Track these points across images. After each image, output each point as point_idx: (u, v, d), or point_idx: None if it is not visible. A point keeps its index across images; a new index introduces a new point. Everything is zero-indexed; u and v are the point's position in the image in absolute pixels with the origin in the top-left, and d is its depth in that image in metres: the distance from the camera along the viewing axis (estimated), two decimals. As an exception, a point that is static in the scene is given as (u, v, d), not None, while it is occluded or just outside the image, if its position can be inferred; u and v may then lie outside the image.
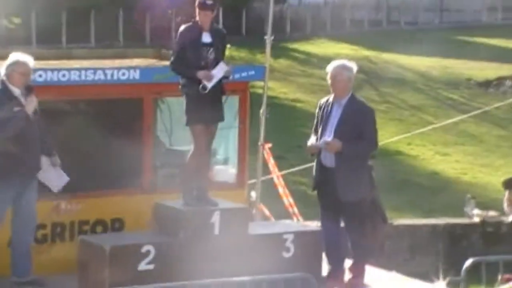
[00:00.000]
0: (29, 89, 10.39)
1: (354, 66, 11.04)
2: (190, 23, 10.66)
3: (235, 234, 10.61)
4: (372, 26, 54.73)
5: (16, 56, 10.49)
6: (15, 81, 10.37)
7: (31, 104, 10.33)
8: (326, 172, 10.89)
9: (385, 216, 14.95)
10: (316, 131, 10.99)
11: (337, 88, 10.91)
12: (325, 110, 10.98)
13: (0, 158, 10.17)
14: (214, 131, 10.80)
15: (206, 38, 10.58)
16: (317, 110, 11.16)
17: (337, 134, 10.78)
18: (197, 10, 10.55)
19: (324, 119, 10.93)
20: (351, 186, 10.80)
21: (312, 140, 10.96)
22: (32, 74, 10.48)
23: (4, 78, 10.37)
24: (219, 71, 10.45)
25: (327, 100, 11.07)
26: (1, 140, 10.15)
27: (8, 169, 10.23)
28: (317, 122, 11.04)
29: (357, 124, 10.88)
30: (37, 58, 12.22)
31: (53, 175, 10.55)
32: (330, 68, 10.96)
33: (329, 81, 10.95)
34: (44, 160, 10.48)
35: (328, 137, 10.79)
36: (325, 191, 10.97)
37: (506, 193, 17.03)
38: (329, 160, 10.83)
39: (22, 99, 10.34)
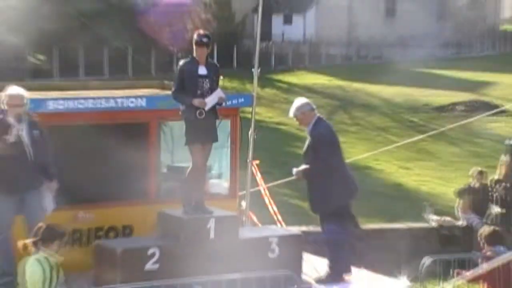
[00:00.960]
0: (29, 119, 10.24)
1: (302, 102, 11.37)
2: (188, 58, 10.68)
3: (228, 238, 10.57)
4: (344, 60, 54.96)
5: (11, 90, 10.27)
6: (11, 112, 10.23)
7: (15, 132, 10.12)
8: None
9: (357, 221, 14.98)
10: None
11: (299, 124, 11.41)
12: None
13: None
14: (209, 150, 10.80)
15: (202, 70, 10.59)
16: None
17: (304, 159, 11.14)
18: (194, 47, 10.57)
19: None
20: (316, 201, 11.08)
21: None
22: (25, 105, 10.21)
23: (5, 108, 10.27)
24: (214, 98, 10.47)
25: None
26: None
27: (3, 187, 10.16)
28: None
29: (313, 148, 11.07)
30: (58, 89, 12.26)
31: (46, 198, 10.44)
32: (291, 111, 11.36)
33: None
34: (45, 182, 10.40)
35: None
36: None
37: (459, 201, 17.06)
38: None
39: (17, 126, 10.20)
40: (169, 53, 43.80)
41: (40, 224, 9.23)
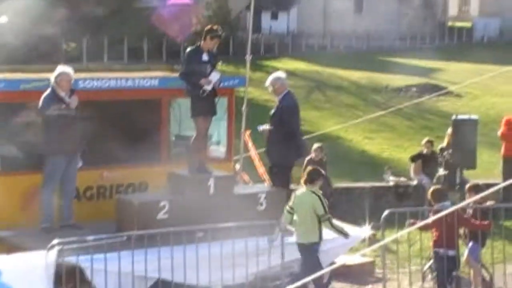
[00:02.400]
0: (72, 92, 10.30)
1: (279, 76, 11.40)
2: (194, 47, 10.66)
3: (224, 194, 10.58)
4: (320, 49, 54.72)
5: (62, 68, 10.37)
6: (63, 86, 10.24)
7: (74, 101, 10.25)
8: None
9: (330, 181, 15.00)
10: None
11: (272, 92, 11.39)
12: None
13: (55, 140, 10.10)
14: (210, 122, 10.80)
15: (205, 57, 10.58)
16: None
17: (270, 121, 11.23)
18: (208, 37, 10.49)
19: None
20: (275, 155, 11.19)
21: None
22: (72, 80, 10.33)
23: (54, 85, 10.25)
24: (213, 76, 10.46)
25: None
26: (54, 128, 10.08)
27: (61, 147, 10.16)
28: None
29: (280, 114, 11.15)
30: (87, 71, 12.20)
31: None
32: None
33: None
34: None
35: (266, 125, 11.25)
36: None
37: (412, 164, 17.08)
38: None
39: (67, 99, 10.25)
40: (177, 43, 43.61)
41: (309, 168, 10.38)
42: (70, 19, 35.49)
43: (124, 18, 40.15)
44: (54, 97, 10.16)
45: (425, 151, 16.80)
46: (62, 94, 10.22)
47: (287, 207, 10.18)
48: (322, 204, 9.95)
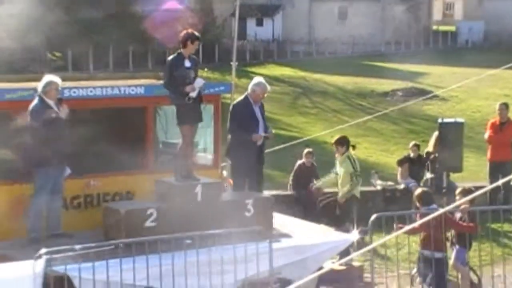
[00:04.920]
0: (60, 101, 10.27)
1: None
2: (175, 54, 10.67)
3: (212, 201, 10.58)
4: (305, 56, 54.90)
5: (50, 77, 10.34)
6: (51, 95, 10.21)
7: (64, 112, 10.22)
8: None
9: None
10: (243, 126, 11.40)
11: (261, 98, 11.54)
12: (249, 110, 11.46)
13: (46, 150, 10.07)
14: (196, 129, 10.80)
15: (187, 63, 10.59)
16: (235, 111, 11.55)
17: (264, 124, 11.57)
18: (188, 42, 10.50)
19: (252, 116, 11.41)
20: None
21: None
22: (60, 89, 10.32)
23: (42, 94, 10.22)
24: (198, 83, 10.49)
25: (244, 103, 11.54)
26: (45, 139, 10.04)
27: (53, 158, 10.13)
28: (240, 118, 11.41)
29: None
30: (72, 79, 12.17)
31: None
32: (265, 86, 11.55)
33: (263, 94, 11.50)
34: None
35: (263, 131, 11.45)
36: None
37: (399, 168, 17.12)
38: None
39: (56, 108, 10.22)
40: (163, 50, 43.61)
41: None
42: (56, 26, 35.36)
43: (110, 25, 40.10)
44: (43, 106, 10.13)
45: (412, 155, 16.85)
46: (51, 103, 10.19)
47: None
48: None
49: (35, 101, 10.16)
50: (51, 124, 10.01)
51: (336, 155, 12.31)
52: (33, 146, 10.06)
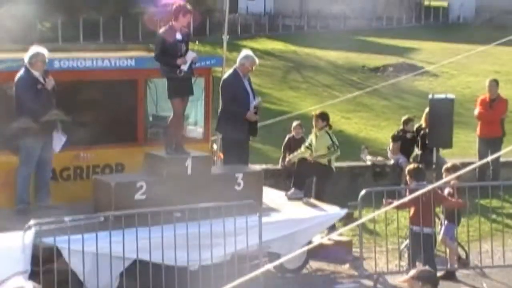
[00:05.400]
0: (46, 73, 10.20)
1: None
2: (167, 27, 10.60)
3: (202, 174, 10.58)
4: (297, 30, 54.70)
5: (36, 48, 10.24)
6: (37, 67, 10.13)
7: (50, 83, 10.15)
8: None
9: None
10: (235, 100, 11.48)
11: (249, 71, 11.63)
12: (240, 84, 11.53)
13: (31, 121, 10.02)
14: (187, 102, 10.77)
15: (179, 36, 10.53)
16: (226, 85, 11.56)
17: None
18: (179, 15, 10.43)
19: (243, 89, 11.54)
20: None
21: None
22: (47, 61, 10.20)
23: (28, 65, 10.13)
24: (189, 56, 10.43)
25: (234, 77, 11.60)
26: (30, 110, 9.98)
27: (38, 129, 10.08)
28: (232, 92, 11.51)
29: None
30: (63, 50, 12.10)
31: (55, 140, 10.41)
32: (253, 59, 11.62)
33: (252, 66, 11.57)
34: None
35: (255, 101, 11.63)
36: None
37: (391, 143, 16.99)
38: None
39: (41, 80, 10.15)
40: (154, 22, 43.38)
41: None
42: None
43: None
44: (29, 78, 10.05)
45: (409, 134, 16.50)
46: (36, 74, 10.11)
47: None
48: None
49: (21, 72, 10.08)
50: (35, 96, 9.94)
51: (314, 128, 12.17)
52: (18, 117, 10.01)
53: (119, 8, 40.01)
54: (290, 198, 11.52)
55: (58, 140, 10.36)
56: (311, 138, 12.13)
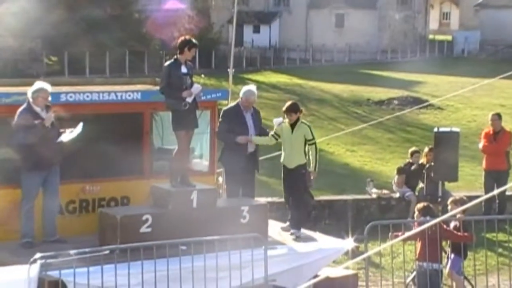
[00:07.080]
0: (47, 108, 10.25)
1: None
2: (172, 60, 10.67)
3: (207, 207, 10.57)
4: (302, 63, 54.99)
5: (39, 84, 10.30)
6: (39, 102, 10.20)
7: (49, 119, 10.19)
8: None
9: (312, 194, 14.98)
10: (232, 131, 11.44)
11: (250, 105, 11.57)
12: (238, 115, 11.53)
13: (29, 155, 10.06)
14: (192, 135, 10.79)
15: (184, 69, 10.60)
16: (224, 115, 11.55)
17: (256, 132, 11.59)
18: (185, 49, 10.51)
19: (242, 122, 11.51)
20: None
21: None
22: (49, 97, 10.26)
23: (30, 100, 10.21)
24: (195, 89, 10.49)
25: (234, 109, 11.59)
26: (28, 143, 10.02)
27: (35, 163, 10.12)
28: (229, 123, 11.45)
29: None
30: (69, 84, 12.16)
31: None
32: (252, 93, 11.56)
33: (247, 101, 11.53)
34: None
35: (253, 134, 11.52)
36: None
37: (396, 176, 17.00)
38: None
39: (43, 115, 10.20)
40: (159, 56, 43.65)
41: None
42: (56, 25, 35.31)
43: (107, 28, 40.09)
44: (29, 112, 10.11)
45: (414, 166, 16.45)
46: (38, 109, 10.16)
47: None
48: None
49: (23, 106, 10.15)
50: (33, 130, 9.98)
51: (286, 121, 11.70)
52: (16, 151, 10.06)
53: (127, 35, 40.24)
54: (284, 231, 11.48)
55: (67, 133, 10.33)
56: (280, 130, 11.55)
